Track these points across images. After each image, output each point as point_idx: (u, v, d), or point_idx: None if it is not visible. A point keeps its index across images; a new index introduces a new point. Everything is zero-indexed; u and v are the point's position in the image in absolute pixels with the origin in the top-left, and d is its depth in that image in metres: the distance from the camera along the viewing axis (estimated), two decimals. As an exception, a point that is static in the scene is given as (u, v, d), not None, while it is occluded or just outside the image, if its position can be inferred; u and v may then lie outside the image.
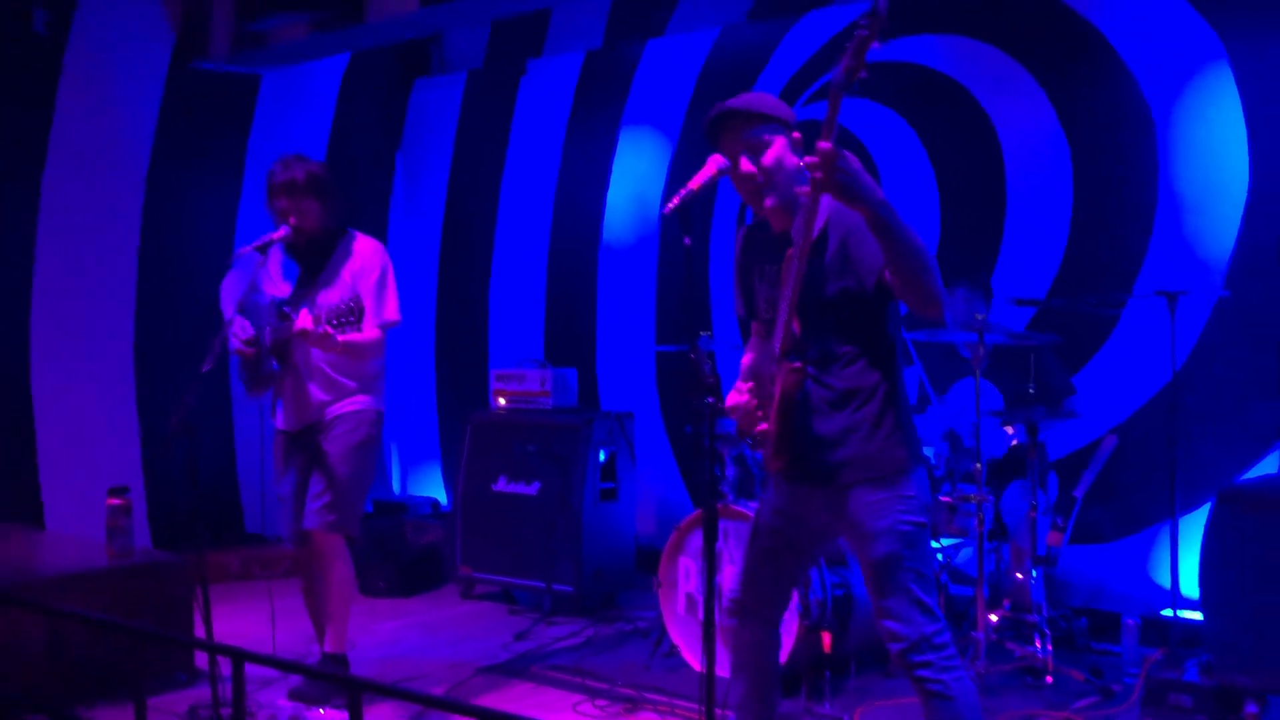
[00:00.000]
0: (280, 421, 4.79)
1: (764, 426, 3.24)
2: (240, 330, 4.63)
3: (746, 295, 3.49)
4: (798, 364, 3.17)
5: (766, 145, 3.23)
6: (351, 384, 4.72)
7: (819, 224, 3.10)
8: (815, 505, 3.32)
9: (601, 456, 6.30)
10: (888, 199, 2.95)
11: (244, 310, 4.65)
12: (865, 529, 3.19)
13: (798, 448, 3.23)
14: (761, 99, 3.31)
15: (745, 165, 3.23)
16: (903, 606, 3.16)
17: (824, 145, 2.86)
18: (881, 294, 3.13)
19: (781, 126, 3.27)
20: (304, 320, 4.36)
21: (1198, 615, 4.65)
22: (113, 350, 6.91)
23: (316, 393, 4.69)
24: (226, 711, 4.28)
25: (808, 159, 2.89)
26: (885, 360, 3.25)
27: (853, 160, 2.92)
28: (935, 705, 3.15)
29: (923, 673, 3.14)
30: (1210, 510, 4.38)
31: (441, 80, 8.22)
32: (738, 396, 3.32)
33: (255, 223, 7.34)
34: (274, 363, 4.64)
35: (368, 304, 4.58)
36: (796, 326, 3.17)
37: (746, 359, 3.52)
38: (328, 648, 4.75)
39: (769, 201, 3.26)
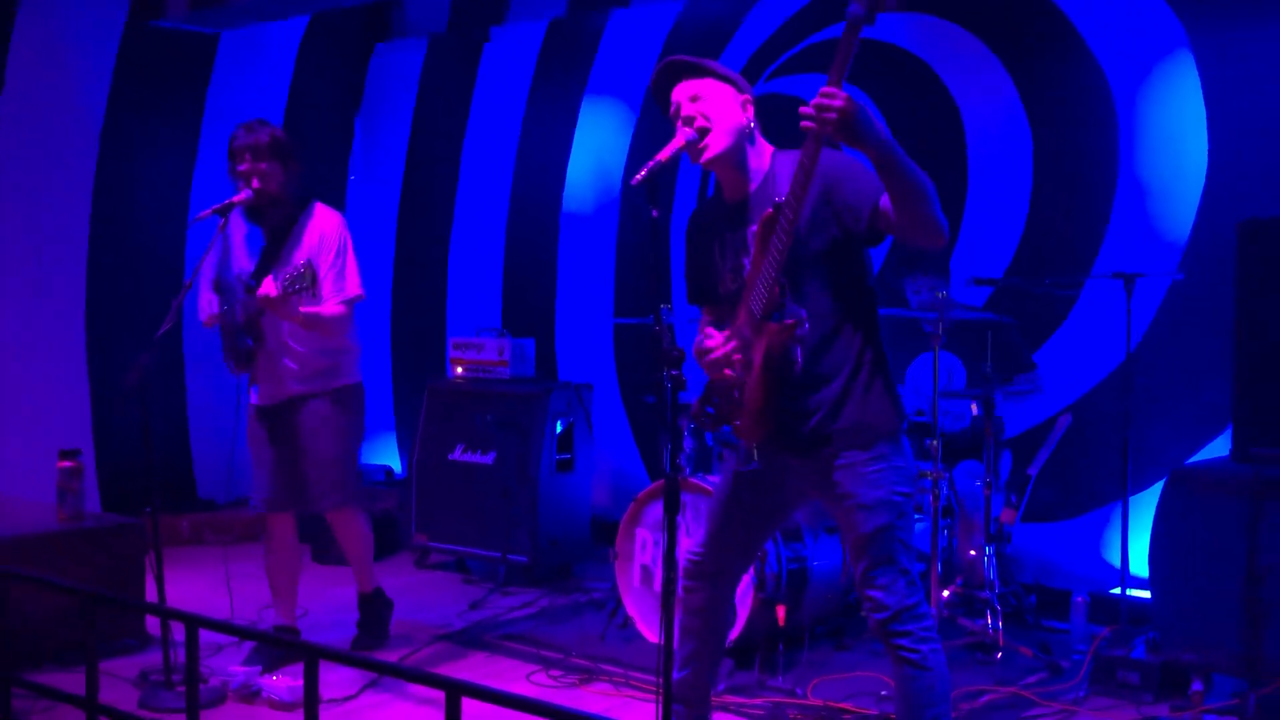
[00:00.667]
0: (255, 397, 4.78)
1: (730, 374, 3.19)
2: (208, 305, 4.65)
3: (704, 274, 3.41)
4: (789, 321, 3.11)
5: (711, 91, 3.22)
6: (325, 361, 4.72)
7: (787, 183, 3.05)
8: (796, 473, 3.31)
9: (559, 427, 6.29)
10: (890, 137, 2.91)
11: (218, 287, 4.65)
12: (859, 500, 3.17)
13: (782, 418, 3.20)
14: (707, 60, 3.30)
15: (688, 108, 3.20)
16: (889, 577, 3.16)
17: (831, 89, 2.82)
18: (872, 235, 3.09)
19: (729, 82, 3.25)
20: (267, 287, 4.33)
21: (1146, 594, 4.71)
22: (64, 311, 6.81)
23: (292, 370, 4.68)
24: (178, 677, 4.26)
25: (815, 100, 2.83)
26: (869, 324, 3.24)
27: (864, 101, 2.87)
28: (910, 674, 3.16)
29: (902, 641, 3.16)
30: (1161, 491, 4.44)
31: (402, 44, 8.13)
32: (712, 340, 3.25)
33: (211, 183, 7.25)
34: (249, 339, 4.61)
35: (328, 280, 4.61)
36: (778, 289, 3.12)
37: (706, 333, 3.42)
38: (361, 589, 5.07)
39: (712, 146, 3.20)
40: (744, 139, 3.24)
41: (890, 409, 3.24)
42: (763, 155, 3.28)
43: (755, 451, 3.26)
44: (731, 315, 3.26)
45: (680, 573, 3.47)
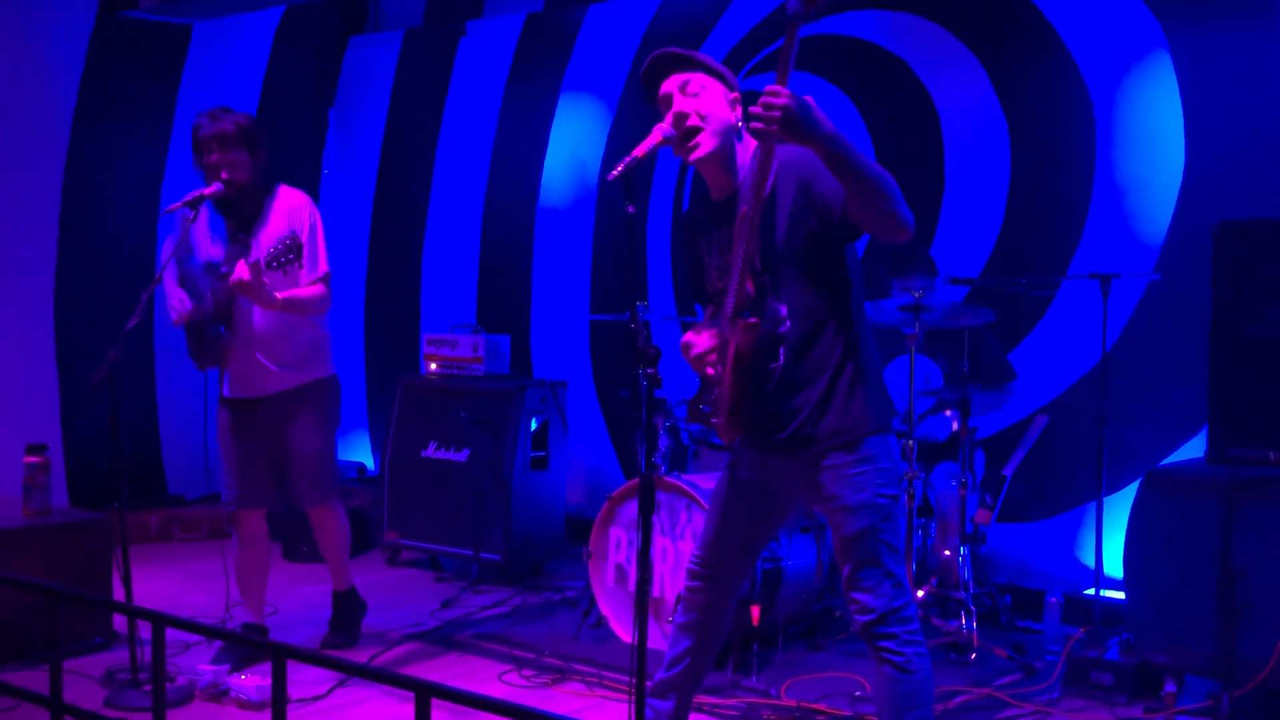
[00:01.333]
0: (228, 390, 4.70)
1: (711, 371, 3.18)
2: (179, 304, 4.54)
3: (695, 273, 3.39)
4: (753, 320, 3.10)
5: (701, 90, 3.19)
6: (299, 351, 4.66)
7: (770, 178, 3.04)
8: (785, 473, 3.29)
9: (533, 425, 6.25)
10: (839, 132, 2.89)
11: (183, 281, 4.55)
12: (843, 502, 3.16)
13: (768, 417, 3.19)
14: (700, 53, 3.27)
15: (679, 103, 3.18)
16: (874, 579, 3.15)
17: (775, 87, 2.82)
18: (846, 228, 3.06)
19: (719, 78, 3.23)
20: (240, 270, 4.26)
21: (1120, 595, 4.71)
22: (33, 304, 6.73)
23: (265, 363, 4.62)
24: (145, 676, 4.21)
25: (761, 99, 2.82)
26: (855, 321, 3.21)
27: (806, 99, 2.86)
28: (893, 677, 3.15)
29: (887, 644, 3.14)
30: (1136, 492, 4.44)
31: (378, 38, 8.08)
32: (697, 336, 3.24)
33: (183, 176, 7.17)
34: (220, 327, 4.53)
35: (306, 256, 4.54)
36: (751, 286, 3.11)
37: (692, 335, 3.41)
38: (336, 586, 5.03)
39: (703, 146, 3.18)
40: (732, 137, 3.22)
41: (876, 409, 3.21)
42: (748, 151, 3.24)
43: (738, 446, 3.25)
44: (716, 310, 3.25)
45: (685, 573, 3.48)
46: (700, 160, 3.21)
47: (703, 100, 3.18)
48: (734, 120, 3.22)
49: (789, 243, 3.12)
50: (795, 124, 2.82)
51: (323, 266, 4.63)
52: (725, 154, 3.21)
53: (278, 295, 4.39)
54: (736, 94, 3.25)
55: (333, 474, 4.86)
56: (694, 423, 3.37)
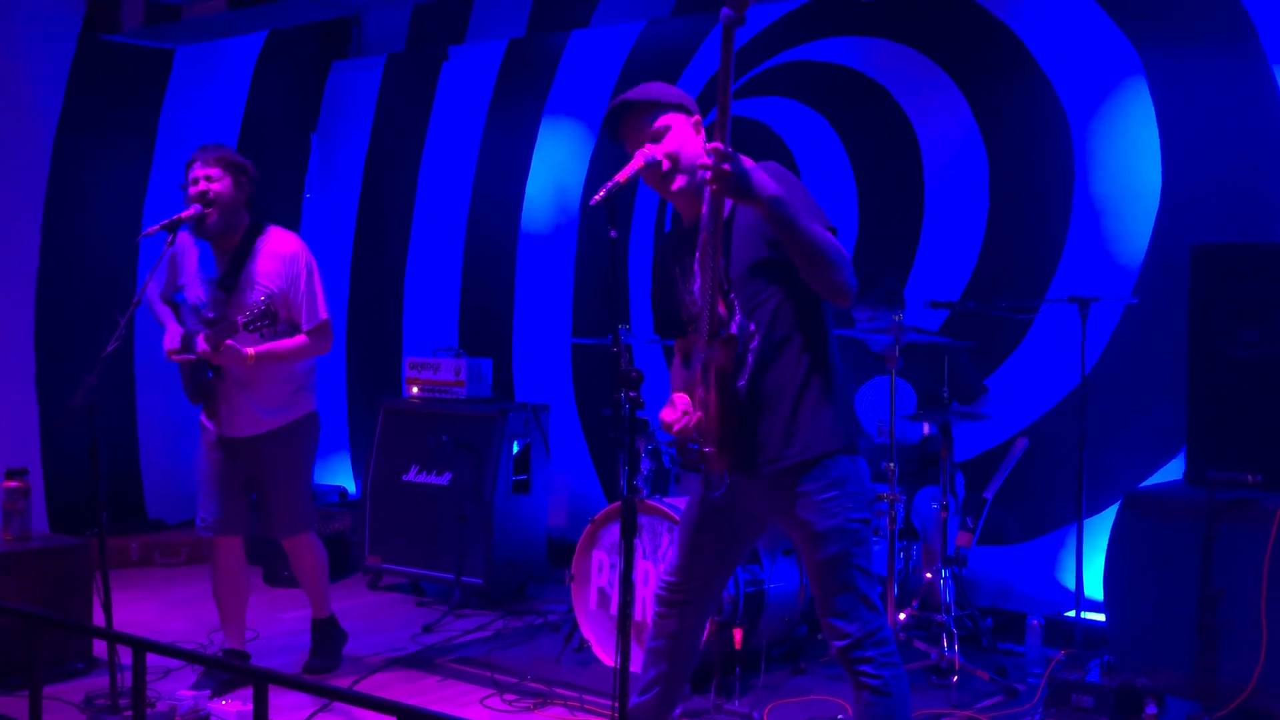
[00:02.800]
0: (212, 425, 4.71)
1: (700, 417, 3.18)
2: (170, 341, 4.59)
3: (668, 301, 3.41)
4: (731, 332, 3.12)
5: (666, 130, 3.22)
6: (286, 390, 4.70)
7: (728, 204, 3.08)
8: (755, 495, 3.29)
9: (515, 448, 6.25)
10: (781, 194, 2.96)
11: (178, 315, 4.62)
12: (814, 528, 3.16)
13: (740, 440, 3.18)
14: (657, 87, 3.31)
15: (649, 151, 3.21)
16: (849, 603, 3.15)
17: (713, 145, 2.92)
18: None
19: (679, 109, 3.26)
20: (200, 346, 4.36)
21: (1101, 617, 4.73)
22: (12, 328, 6.72)
23: (252, 406, 4.65)
24: (125, 701, 4.19)
25: (702, 156, 2.91)
26: (820, 339, 3.22)
27: (744, 160, 2.94)
28: (871, 700, 3.15)
29: (864, 668, 3.14)
30: (1116, 514, 4.46)
31: (360, 63, 8.10)
32: (673, 410, 3.25)
33: (165, 200, 7.18)
34: (209, 372, 4.56)
35: (301, 310, 4.60)
36: (721, 306, 3.14)
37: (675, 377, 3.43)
38: (315, 614, 4.99)
39: (677, 183, 3.23)
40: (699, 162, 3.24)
41: (844, 427, 3.22)
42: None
43: (725, 475, 3.24)
44: (695, 344, 3.25)
45: (654, 599, 3.47)
46: (675, 194, 3.27)
47: (670, 140, 3.23)
48: (700, 147, 3.23)
49: (751, 261, 3.16)
50: (734, 188, 2.93)
51: (321, 314, 4.65)
52: (696, 186, 3.22)
53: (248, 351, 4.41)
54: (697, 116, 3.29)
55: (308, 506, 4.88)
56: (687, 465, 3.35)
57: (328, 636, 5.03)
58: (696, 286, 3.25)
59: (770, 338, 3.16)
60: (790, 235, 2.98)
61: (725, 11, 2.89)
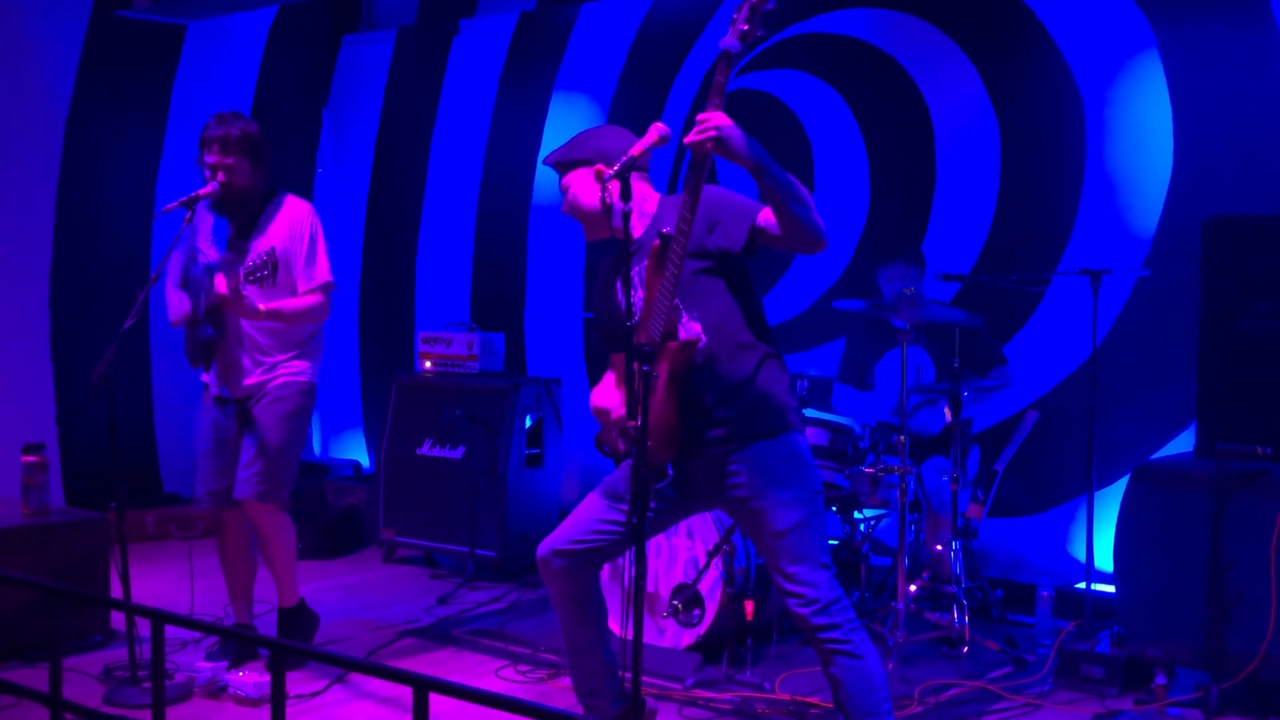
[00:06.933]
0: (214, 387, 4.70)
1: (632, 423, 3.24)
2: (178, 304, 4.58)
3: (608, 312, 3.59)
4: (685, 338, 3.31)
5: (569, 184, 3.55)
6: (284, 354, 4.66)
7: (673, 220, 3.22)
8: (700, 478, 3.42)
9: (528, 422, 6.28)
10: (755, 145, 3.13)
11: (185, 284, 4.60)
12: (774, 498, 3.30)
13: (688, 433, 3.32)
14: (568, 148, 3.60)
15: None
16: (812, 572, 3.28)
17: (704, 115, 3.09)
18: (750, 250, 3.31)
19: (583, 162, 3.53)
20: (219, 284, 4.30)
21: (1111, 588, 4.75)
22: (28, 304, 6.74)
23: (249, 365, 4.62)
24: (144, 673, 4.24)
25: (696, 121, 3.08)
26: (760, 329, 3.41)
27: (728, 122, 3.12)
28: (845, 664, 3.28)
29: (831, 634, 3.27)
30: (1126, 486, 4.48)
31: (371, 37, 8.09)
32: (606, 399, 3.45)
33: (178, 175, 7.20)
34: (209, 328, 4.55)
35: (299, 269, 4.56)
36: (674, 311, 3.30)
37: (603, 386, 3.55)
38: (281, 603, 4.79)
39: (586, 232, 3.60)
40: (596, 204, 3.47)
41: (791, 413, 3.41)
42: (649, 200, 3.53)
43: (669, 468, 3.37)
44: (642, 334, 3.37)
45: (543, 563, 3.56)
46: (591, 240, 3.64)
47: (569, 196, 3.56)
48: (597, 200, 3.47)
49: (697, 267, 3.33)
50: (725, 144, 3.09)
51: (320, 276, 4.62)
52: (599, 219, 3.50)
53: (260, 306, 4.41)
54: (598, 165, 3.48)
55: (285, 478, 4.64)
56: (615, 455, 3.54)
57: (299, 625, 4.84)
58: (638, 297, 3.39)
59: (716, 336, 3.34)
60: (777, 186, 3.12)
61: (728, 43, 3.19)
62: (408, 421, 6.50)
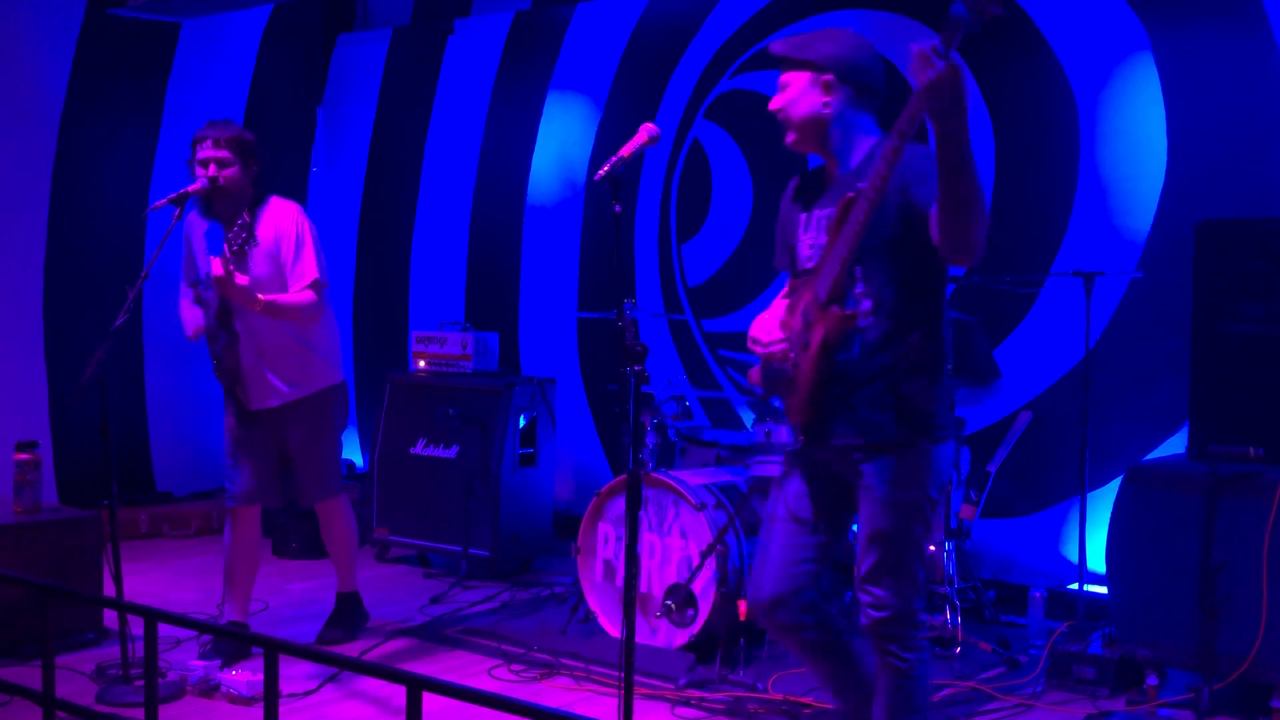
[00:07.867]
0: (241, 397, 4.74)
1: (777, 364, 3.12)
2: (193, 318, 4.70)
3: (787, 246, 3.33)
4: (849, 311, 3.02)
5: (784, 86, 3.22)
6: (299, 358, 4.73)
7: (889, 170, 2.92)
8: (837, 468, 3.22)
9: (522, 422, 6.28)
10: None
11: (199, 301, 4.68)
12: (882, 496, 3.11)
13: (829, 403, 3.10)
14: (800, 44, 3.24)
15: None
16: (897, 578, 3.12)
17: (939, 51, 2.78)
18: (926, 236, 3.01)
19: (806, 65, 3.20)
20: (215, 267, 4.31)
21: (1103, 589, 4.76)
22: (21, 302, 6.74)
23: (273, 380, 4.69)
24: (136, 671, 4.23)
25: (920, 49, 2.75)
26: (931, 323, 3.14)
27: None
28: (895, 682, 3.15)
29: (893, 646, 3.13)
30: (1119, 487, 4.48)
31: (366, 36, 8.09)
32: (765, 333, 3.19)
33: (172, 174, 7.19)
34: (223, 335, 4.61)
35: (287, 267, 4.62)
36: (847, 276, 3.02)
37: (778, 307, 3.31)
38: (341, 587, 5.08)
39: (788, 136, 3.23)
40: (821, 119, 3.18)
41: (938, 419, 3.14)
42: (869, 138, 3.23)
43: (802, 434, 3.20)
44: (803, 291, 3.17)
45: (766, 618, 3.31)
46: (791, 144, 3.24)
47: (786, 94, 3.21)
48: (820, 105, 3.18)
49: (883, 237, 3.05)
50: (940, 93, 2.78)
51: (309, 274, 4.65)
52: (809, 131, 3.20)
53: (261, 297, 4.44)
54: (830, 77, 3.18)
55: (337, 472, 4.96)
56: (767, 389, 3.25)
57: (352, 612, 5.10)
58: (811, 238, 3.19)
59: (885, 318, 3.08)
60: (962, 177, 2.81)
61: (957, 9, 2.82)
62: (402, 421, 6.50)
